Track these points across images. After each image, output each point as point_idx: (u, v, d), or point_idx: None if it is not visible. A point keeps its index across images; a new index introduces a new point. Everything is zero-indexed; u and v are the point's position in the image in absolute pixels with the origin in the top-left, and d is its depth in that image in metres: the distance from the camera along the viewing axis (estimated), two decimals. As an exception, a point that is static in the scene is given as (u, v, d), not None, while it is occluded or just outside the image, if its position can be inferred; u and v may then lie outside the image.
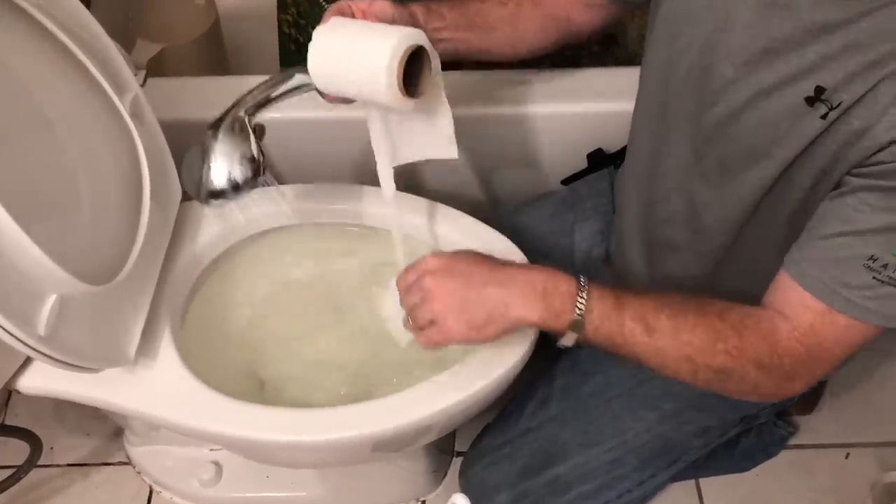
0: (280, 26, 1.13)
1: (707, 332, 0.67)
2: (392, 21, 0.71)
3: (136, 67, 1.00)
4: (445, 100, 0.72)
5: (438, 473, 1.08)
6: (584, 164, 1.06)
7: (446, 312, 0.67)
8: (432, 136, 0.75)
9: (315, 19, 1.05)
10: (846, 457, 1.11)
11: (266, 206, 0.90)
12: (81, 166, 0.72)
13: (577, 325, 0.67)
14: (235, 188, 0.71)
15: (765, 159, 0.67)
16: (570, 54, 1.09)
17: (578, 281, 0.68)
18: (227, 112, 0.72)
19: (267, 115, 1.02)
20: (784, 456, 1.10)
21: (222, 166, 0.70)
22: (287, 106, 1.00)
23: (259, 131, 0.73)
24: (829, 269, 0.63)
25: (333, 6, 0.70)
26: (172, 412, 0.75)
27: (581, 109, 1.03)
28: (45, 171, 0.68)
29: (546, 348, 0.82)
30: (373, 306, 0.89)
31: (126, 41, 1.06)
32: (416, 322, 0.70)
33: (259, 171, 0.72)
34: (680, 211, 0.79)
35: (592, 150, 1.05)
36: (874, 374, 1.19)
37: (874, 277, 0.61)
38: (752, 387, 0.69)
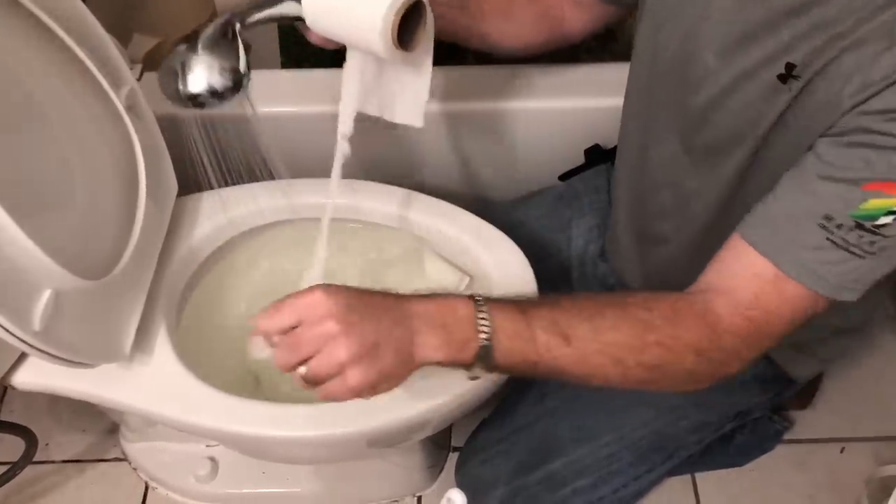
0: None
1: (633, 326, 0.61)
2: None
3: (133, 61, 1.00)
4: (430, 65, 0.71)
5: (435, 469, 1.08)
6: (581, 160, 1.06)
7: (355, 363, 0.55)
8: (405, 98, 0.74)
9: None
10: (841, 451, 1.12)
11: (263, 202, 0.90)
12: (76, 160, 0.71)
13: (486, 352, 0.59)
14: (214, 94, 0.67)
15: (746, 142, 0.67)
16: (567, 50, 1.09)
17: (475, 301, 0.60)
18: (213, 20, 0.69)
19: (265, 110, 1.02)
20: (779, 451, 1.11)
21: (203, 71, 0.67)
22: (284, 100, 1.01)
23: (245, 47, 0.69)
24: (782, 227, 0.60)
25: None
26: (168, 408, 0.75)
27: (578, 105, 1.03)
28: (39, 165, 0.68)
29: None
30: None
31: (123, 35, 1.05)
32: (318, 376, 0.56)
33: (241, 84, 0.68)
34: (669, 201, 0.79)
35: (590, 145, 1.05)
36: (870, 369, 1.19)
37: (828, 238, 0.58)
38: (687, 376, 0.64)
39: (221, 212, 0.89)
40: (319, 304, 0.56)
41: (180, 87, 0.67)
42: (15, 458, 0.89)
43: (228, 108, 0.69)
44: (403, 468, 1.03)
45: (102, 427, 1.13)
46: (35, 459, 0.92)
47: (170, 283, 0.83)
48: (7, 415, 1.14)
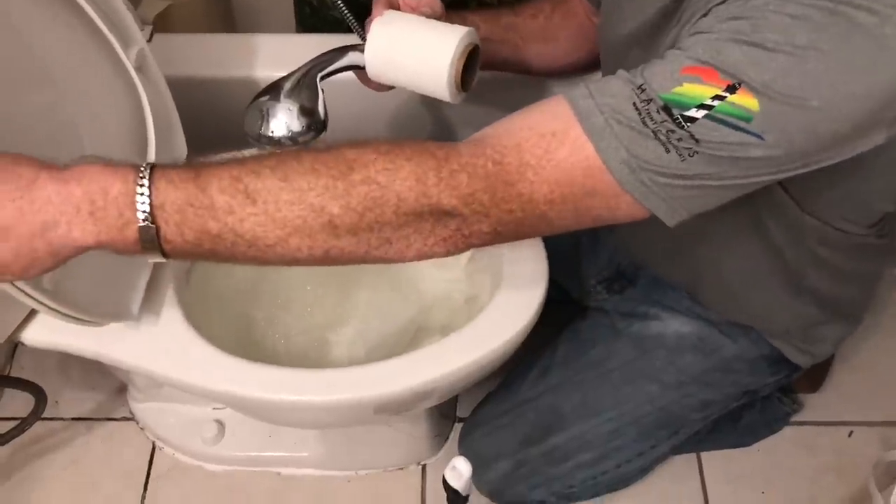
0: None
1: (336, 165, 0.51)
2: (440, 18, 0.73)
3: (143, 23, 0.99)
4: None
5: (440, 438, 1.08)
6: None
7: None
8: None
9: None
10: (849, 435, 1.11)
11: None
12: (86, 120, 0.71)
13: (148, 234, 0.50)
14: (293, 140, 0.73)
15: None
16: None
17: (137, 173, 0.50)
18: (295, 72, 0.75)
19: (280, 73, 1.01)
20: (786, 432, 1.10)
21: (284, 116, 0.73)
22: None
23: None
24: (602, 89, 0.52)
25: None
26: (175, 369, 0.75)
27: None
28: (48, 124, 0.67)
29: (550, 318, 0.82)
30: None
31: (134, -5, 1.04)
32: None
33: (320, 128, 0.75)
34: None
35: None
36: (880, 353, 1.18)
37: (637, 111, 0.51)
38: (413, 229, 0.53)
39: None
40: None
41: (263, 130, 0.73)
42: (24, 415, 0.90)
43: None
44: (409, 436, 1.04)
45: (111, 386, 1.14)
46: (44, 416, 0.93)
47: (179, 245, 0.83)
48: (17, 372, 1.16)
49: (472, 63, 0.71)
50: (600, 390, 0.86)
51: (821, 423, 1.12)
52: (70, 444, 1.10)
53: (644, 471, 0.93)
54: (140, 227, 0.49)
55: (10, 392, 1.14)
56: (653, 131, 0.50)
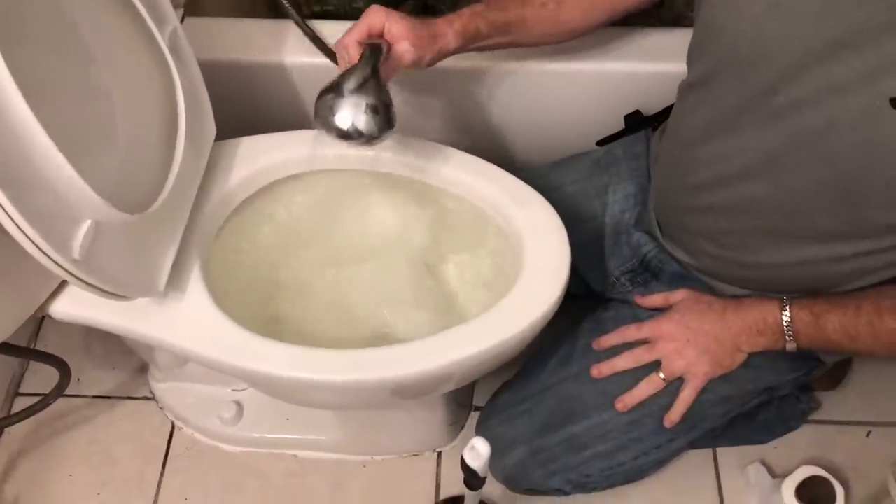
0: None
1: None
2: (420, 59, 0.78)
3: (175, 6, 1.00)
4: None
5: (456, 426, 1.09)
6: (620, 126, 1.04)
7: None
8: None
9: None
10: (867, 435, 1.10)
11: (296, 151, 0.90)
12: (120, 97, 0.72)
13: (791, 345, 0.80)
14: (360, 134, 0.73)
15: None
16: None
17: (781, 307, 0.79)
18: (360, 64, 0.74)
19: (304, 60, 1.02)
20: (804, 430, 1.10)
21: (350, 111, 0.72)
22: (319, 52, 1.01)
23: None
24: None
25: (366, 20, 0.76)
26: (199, 345, 0.76)
27: (620, 69, 1.01)
28: (84, 98, 0.68)
29: (571, 310, 0.82)
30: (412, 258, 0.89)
31: (165, -21, 1.06)
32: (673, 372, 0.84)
33: (391, 123, 0.74)
34: (719, 180, 0.78)
35: (630, 111, 1.03)
36: (901, 356, 1.17)
37: None
38: None
39: (258, 158, 0.89)
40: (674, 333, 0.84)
41: (332, 122, 0.73)
42: (45, 392, 0.92)
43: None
44: (426, 423, 1.04)
45: (132, 366, 1.16)
46: (67, 393, 0.94)
47: (205, 224, 0.84)
48: (41, 348, 1.17)
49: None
50: (621, 381, 0.86)
51: (839, 423, 1.11)
52: (91, 422, 1.11)
53: (660, 463, 0.93)
54: (787, 342, 0.80)
55: (32, 369, 1.16)
56: None
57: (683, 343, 0.83)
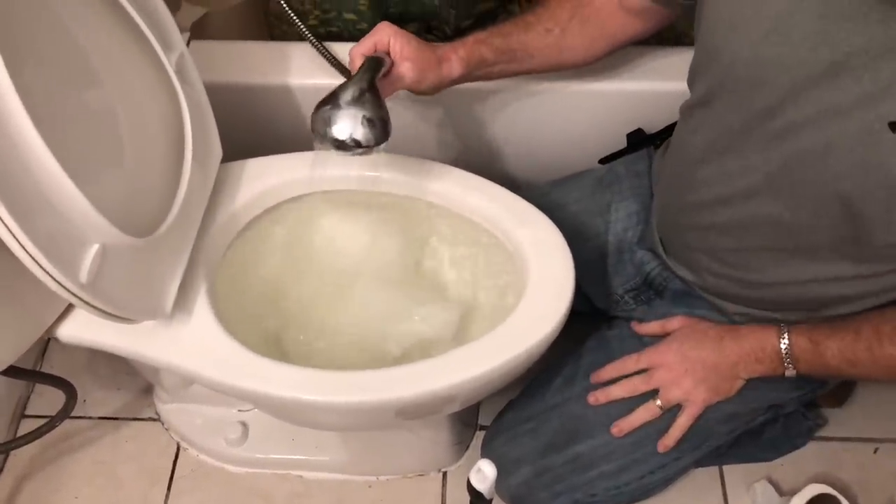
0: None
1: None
2: (419, 84, 0.80)
3: (181, 30, 1.01)
4: None
5: (461, 446, 1.09)
6: (623, 144, 1.05)
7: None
8: None
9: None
10: (875, 451, 1.10)
11: (300, 172, 0.90)
12: (126, 120, 0.73)
13: (791, 371, 0.80)
14: (357, 145, 0.73)
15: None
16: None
17: (779, 335, 0.79)
18: (357, 76, 0.75)
19: (308, 82, 1.02)
20: (810, 447, 1.09)
21: (348, 122, 0.73)
22: (325, 73, 1.02)
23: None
24: None
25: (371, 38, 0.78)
26: (205, 367, 0.76)
27: (624, 88, 1.02)
28: (91, 121, 0.69)
29: (574, 328, 0.82)
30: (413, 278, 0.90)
31: (171, 4, 1.07)
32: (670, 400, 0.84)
33: (386, 134, 0.74)
34: (722, 199, 0.78)
35: (632, 129, 1.04)
36: (908, 372, 1.17)
37: None
38: None
39: (263, 179, 0.90)
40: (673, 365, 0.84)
41: (328, 133, 0.73)
42: (51, 413, 0.92)
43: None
44: (431, 443, 1.04)
45: (137, 387, 1.16)
46: (72, 414, 0.94)
47: (211, 246, 0.85)
48: (47, 370, 1.17)
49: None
50: (627, 402, 0.86)
51: (845, 439, 1.11)
52: (96, 443, 1.11)
53: (667, 482, 0.92)
54: (786, 369, 0.80)
55: (38, 391, 1.16)
56: None
57: (681, 373, 0.83)
